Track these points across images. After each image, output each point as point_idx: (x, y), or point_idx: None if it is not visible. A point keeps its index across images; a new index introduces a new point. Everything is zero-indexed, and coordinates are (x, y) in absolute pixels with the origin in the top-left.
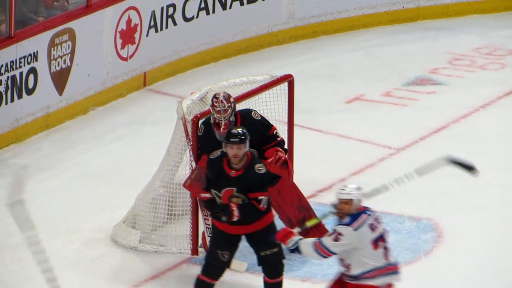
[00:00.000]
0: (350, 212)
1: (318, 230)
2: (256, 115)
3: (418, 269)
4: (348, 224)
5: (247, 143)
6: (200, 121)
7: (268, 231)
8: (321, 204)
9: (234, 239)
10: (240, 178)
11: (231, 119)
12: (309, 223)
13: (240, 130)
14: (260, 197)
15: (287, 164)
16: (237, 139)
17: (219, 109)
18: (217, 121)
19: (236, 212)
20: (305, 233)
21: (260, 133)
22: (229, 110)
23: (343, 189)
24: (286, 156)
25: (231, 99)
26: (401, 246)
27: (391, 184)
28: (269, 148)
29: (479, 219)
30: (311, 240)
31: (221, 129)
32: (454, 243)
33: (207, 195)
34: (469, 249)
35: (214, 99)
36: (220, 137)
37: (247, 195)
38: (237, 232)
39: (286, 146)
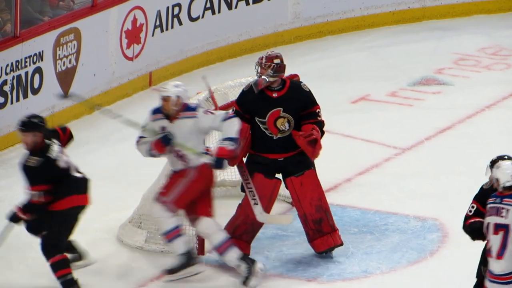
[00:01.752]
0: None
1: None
2: (305, 87)
3: (424, 269)
4: None
5: (36, 133)
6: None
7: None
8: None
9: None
10: None
11: (268, 79)
12: None
13: (32, 118)
14: None
15: (315, 143)
16: (23, 127)
17: (260, 63)
18: (257, 76)
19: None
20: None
21: (303, 104)
22: (266, 71)
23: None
24: (321, 138)
25: (276, 60)
26: (407, 246)
27: None
28: (307, 124)
29: None
30: None
31: (260, 85)
32: (459, 243)
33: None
34: (474, 249)
35: (264, 54)
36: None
37: None
38: None
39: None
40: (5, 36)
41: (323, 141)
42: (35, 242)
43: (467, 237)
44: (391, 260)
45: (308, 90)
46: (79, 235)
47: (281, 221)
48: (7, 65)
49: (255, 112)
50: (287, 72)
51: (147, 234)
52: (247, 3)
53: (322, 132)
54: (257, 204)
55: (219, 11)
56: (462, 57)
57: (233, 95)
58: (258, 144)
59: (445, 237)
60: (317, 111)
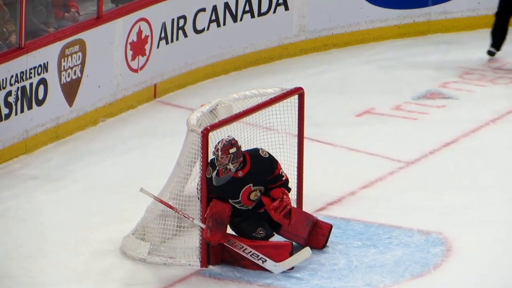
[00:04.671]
0: None
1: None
2: (264, 153)
3: (427, 283)
4: None
5: None
6: (210, 163)
7: None
8: (331, 216)
9: None
10: None
11: (228, 167)
12: None
13: None
14: None
15: (290, 214)
16: None
17: (218, 156)
18: (218, 168)
19: None
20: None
21: (269, 172)
22: (224, 161)
23: None
24: (290, 197)
25: (231, 150)
26: (410, 259)
27: None
28: (275, 188)
29: (488, 234)
30: None
31: (227, 174)
32: (463, 257)
33: None
34: (478, 263)
35: (217, 146)
36: (217, 179)
37: None
38: None
39: (290, 185)
40: (10, 47)
41: (327, 154)
42: (38, 252)
43: (470, 251)
44: (395, 274)
45: (267, 156)
46: (82, 246)
47: (302, 257)
48: (12, 76)
49: (226, 196)
50: (292, 85)
51: (150, 246)
52: (252, 16)
53: (289, 190)
54: (265, 261)
55: (224, 24)
56: (467, 71)
57: (238, 108)
58: (234, 214)
59: (448, 251)
60: (280, 172)
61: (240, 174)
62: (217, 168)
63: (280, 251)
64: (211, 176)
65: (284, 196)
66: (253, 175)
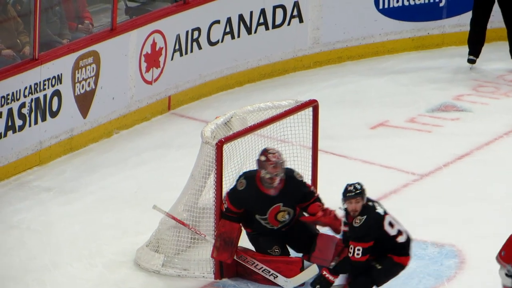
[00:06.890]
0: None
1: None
2: (298, 176)
3: None
4: None
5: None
6: (243, 176)
7: None
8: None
9: None
10: None
11: (279, 175)
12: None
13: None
14: None
15: (338, 216)
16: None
17: (276, 163)
18: (270, 176)
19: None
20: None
21: (301, 194)
22: (280, 167)
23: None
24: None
25: (283, 157)
26: (424, 272)
27: None
28: (310, 205)
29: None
30: None
31: (274, 185)
32: (476, 269)
33: None
34: (491, 276)
35: (270, 154)
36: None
37: None
38: None
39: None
40: (24, 58)
41: (341, 167)
42: (52, 264)
43: (484, 264)
44: (409, 286)
45: (301, 178)
46: (96, 258)
47: (309, 275)
48: (26, 88)
49: (254, 210)
50: (306, 98)
51: (164, 258)
52: (267, 28)
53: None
54: (277, 276)
55: (238, 36)
56: (481, 84)
57: (252, 120)
58: (258, 229)
59: (462, 263)
60: (311, 189)
61: (272, 192)
62: (267, 176)
63: (291, 267)
64: (243, 188)
65: (324, 207)
66: (285, 195)
